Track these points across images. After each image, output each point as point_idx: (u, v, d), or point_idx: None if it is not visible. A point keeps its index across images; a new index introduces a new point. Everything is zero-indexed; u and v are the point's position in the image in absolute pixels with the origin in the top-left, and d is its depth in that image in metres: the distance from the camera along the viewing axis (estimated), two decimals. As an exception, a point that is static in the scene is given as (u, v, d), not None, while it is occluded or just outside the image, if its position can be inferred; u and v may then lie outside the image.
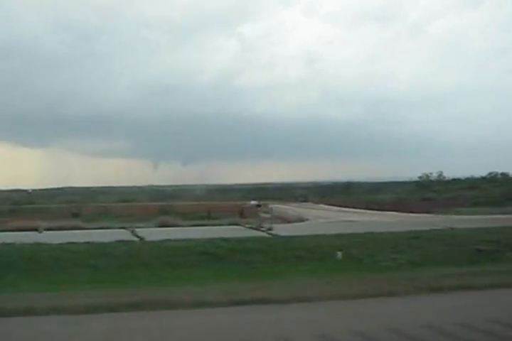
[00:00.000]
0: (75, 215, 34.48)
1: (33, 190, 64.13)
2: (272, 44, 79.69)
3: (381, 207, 35.26)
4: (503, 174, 62.10)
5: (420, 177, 66.43)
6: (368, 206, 36.73)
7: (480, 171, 63.05)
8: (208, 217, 33.31)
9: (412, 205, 39.20)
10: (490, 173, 62.28)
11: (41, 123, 57.80)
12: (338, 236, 19.03)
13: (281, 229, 21.76)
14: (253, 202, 46.83)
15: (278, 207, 43.00)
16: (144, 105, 68.09)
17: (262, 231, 21.06)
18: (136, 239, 18.89)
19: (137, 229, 22.05)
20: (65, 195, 64.87)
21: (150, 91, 68.48)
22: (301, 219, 30.95)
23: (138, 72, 69.59)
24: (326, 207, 40.66)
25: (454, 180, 65.21)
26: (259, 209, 23.25)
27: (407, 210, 33.90)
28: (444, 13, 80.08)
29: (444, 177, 65.92)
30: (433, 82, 74.88)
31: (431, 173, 65.95)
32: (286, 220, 32.33)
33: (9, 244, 16.84)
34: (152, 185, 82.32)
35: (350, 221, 26.71)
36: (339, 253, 16.85)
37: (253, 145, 56.14)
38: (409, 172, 68.10)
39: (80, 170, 61.15)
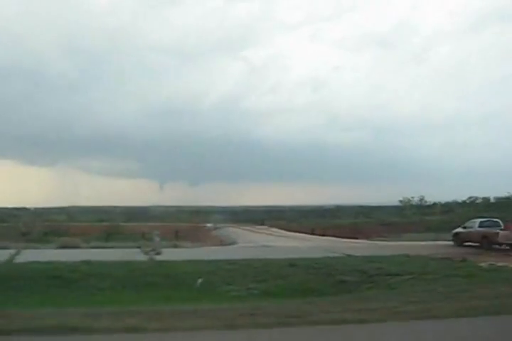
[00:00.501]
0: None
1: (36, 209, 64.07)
2: (278, 69, 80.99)
3: (324, 232, 34.18)
4: (484, 198, 60.78)
5: (401, 201, 65.10)
6: (313, 231, 35.71)
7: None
8: (142, 238, 32.62)
9: (367, 230, 38.13)
10: (470, 197, 61.08)
11: (49, 143, 59.51)
12: (214, 262, 18.09)
13: (171, 253, 20.85)
14: (209, 225, 46.17)
15: (230, 229, 42.30)
16: (151, 126, 69.62)
17: (148, 255, 20.21)
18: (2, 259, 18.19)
19: (29, 250, 21.38)
20: (51, 214, 64.63)
21: (157, 113, 70.02)
22: (232, 243, 30.27)
23: (145, 95, 71.26)
24: (275, 230, 39.75)
25: (434, 204, 63.80)
26: (154, 232, 22.45)
27: (351, 235, 32.89)
28: (447, 40, 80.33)
29: (426, 202, 64.79)
30: (434, 108, 75.08)
31: (412, 197, 64.48)
32: (221, 243, 31.75)
33: None
34: (157, 205, 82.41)
35: (268, 246, 25.69)
36: (199, 281, 15.95)
37: (256, 167, 56.73)
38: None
39: (86, 189, 61.97)
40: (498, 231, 23.17)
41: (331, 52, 78.38)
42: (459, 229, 26.21)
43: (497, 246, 22.86)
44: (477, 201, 60.73)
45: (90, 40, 68.57)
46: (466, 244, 24.98)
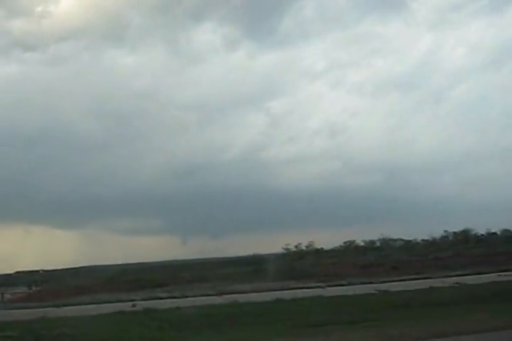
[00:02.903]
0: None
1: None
2: (298, 118, 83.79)
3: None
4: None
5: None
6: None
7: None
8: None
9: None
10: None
11: (78, 205, 61.39)
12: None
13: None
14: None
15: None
16: (174, 183, 71.54)
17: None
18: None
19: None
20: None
21: (180, 169, 72.13)
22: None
23: (167, 152, 73.83)
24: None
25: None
26: None
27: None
28: (466, 76, 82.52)
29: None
30: (452, 147, 76.31)
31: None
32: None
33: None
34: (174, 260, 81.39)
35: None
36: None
37: (274, 216, 58.21)
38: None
39: (111, 248, 63.56)
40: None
41: (349, 98, 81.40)
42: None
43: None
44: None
45: (117, 101, 72.75)
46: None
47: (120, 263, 53.95)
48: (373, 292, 21.86)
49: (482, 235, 57.74)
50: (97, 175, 69.58)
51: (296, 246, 54.33)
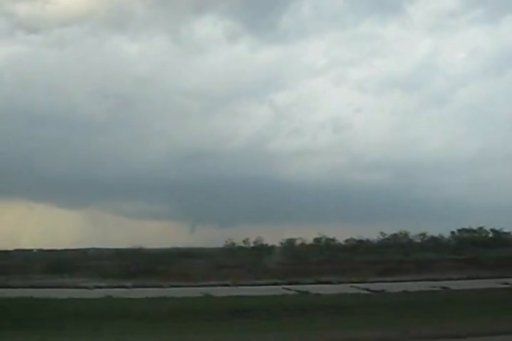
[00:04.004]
0: None
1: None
2: (302, 111, 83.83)
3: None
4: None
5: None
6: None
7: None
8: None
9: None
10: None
11: (80, 185, 61.45)
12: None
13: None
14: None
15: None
16: (178, 169, 71.21)
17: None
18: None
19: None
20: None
21: (183, 155, 72.23)
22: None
23: (171, 137, 73.68)
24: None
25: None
26: None
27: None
28: (467, 81, 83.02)
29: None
30: (458, 148, 76.43)
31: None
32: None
33: None
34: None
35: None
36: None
37: (282, 208, 57.85)
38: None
39: (114, 230, 63.34)
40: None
41: (352, 95, 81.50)
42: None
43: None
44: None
45: (120, 85, 72.89)
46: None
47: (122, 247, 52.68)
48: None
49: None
50: (100, 156, 69.82)
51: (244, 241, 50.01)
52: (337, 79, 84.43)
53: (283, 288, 23.95)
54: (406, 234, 49.53)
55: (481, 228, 50.90)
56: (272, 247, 49.83)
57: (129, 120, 74.56)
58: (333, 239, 50.42)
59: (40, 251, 57.78)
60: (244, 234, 53.41)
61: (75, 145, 68.58)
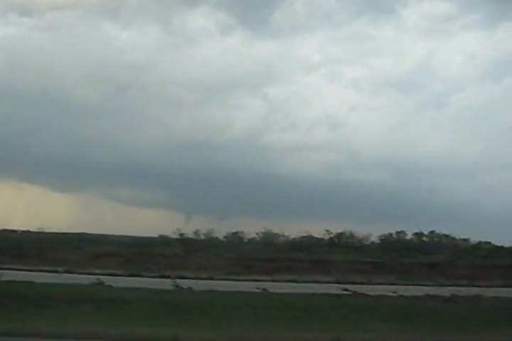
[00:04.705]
0: None
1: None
2: (296, 106, 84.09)
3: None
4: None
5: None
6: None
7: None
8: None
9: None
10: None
11: (75, 170, 62.70)
12: None
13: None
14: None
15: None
16: (172, 157, 72.59)
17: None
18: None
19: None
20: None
21: (177, 144, 73.05)
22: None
23: (165, 126, 74.64)
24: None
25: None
26: None
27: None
28: (467, 83, 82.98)
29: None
30: (456, 151, 76.20)
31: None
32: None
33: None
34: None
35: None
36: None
37: (279, 202, 58.98)
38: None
39: (107, 216, 64.91)
40: None
41: (346, 92, 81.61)
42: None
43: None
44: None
45: (112, 71, 74.16)
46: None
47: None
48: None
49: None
50: (94, 141, 70.90)
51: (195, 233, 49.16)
52: (331, 76, 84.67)
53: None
54: (351, 235, 50.39)
55: (432, 232, 52.72)
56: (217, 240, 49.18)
57: (123, 106, 75.83)
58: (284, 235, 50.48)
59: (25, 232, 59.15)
60: (239, 226, 54.01)
61: (70, 128, 70.05)
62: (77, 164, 63.44)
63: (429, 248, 48.13)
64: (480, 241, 52.24)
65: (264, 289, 21.18)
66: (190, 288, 20.19)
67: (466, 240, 53.41)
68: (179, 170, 65.86)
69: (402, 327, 13.20)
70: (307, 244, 48.45)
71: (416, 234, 51.61)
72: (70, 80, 71.86)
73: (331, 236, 50.58)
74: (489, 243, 51.48)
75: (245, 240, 50.83)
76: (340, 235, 50.67)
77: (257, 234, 50.61)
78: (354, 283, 26.70)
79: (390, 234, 51.29)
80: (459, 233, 51.41)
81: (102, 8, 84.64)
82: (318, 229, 50.99)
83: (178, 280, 22.24)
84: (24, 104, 68.62)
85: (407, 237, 52.05)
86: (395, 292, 21.90)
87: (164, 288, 19.41)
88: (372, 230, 52.40)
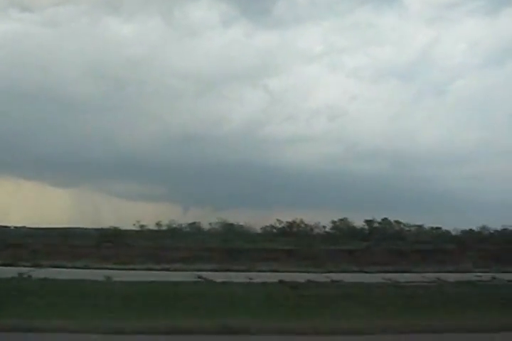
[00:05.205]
0: None
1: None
2: (296, 97, 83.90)
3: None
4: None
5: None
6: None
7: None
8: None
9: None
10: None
11: (73, 165, 63.09)
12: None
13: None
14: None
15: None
16: (170, 151, 72.92)
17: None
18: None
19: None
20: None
21: (175, 138, 73.29)
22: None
23: (163, 119, 75.15)
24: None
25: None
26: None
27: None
28: (468, 72, 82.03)
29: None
30: (456, 139, 75.68)
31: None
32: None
33: None
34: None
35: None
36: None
37: (278, 193, 59.43)
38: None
39: (107, 211, 65.14)
40: None
41: (348, 82, 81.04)
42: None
43: None
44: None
45: (113, 66, 74.28)
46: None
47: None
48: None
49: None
50: (92, 136, 70.89)
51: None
52: (333, 66, 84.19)
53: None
54: (301, 223, 51.72)
55: (385, 219, 53.24)
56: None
57: (122, 101, 75.93)
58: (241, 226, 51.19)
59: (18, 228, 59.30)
60: (238, 217, 54.46)
61: (68, 124, 70.37)
62: (74, 159, 63.82)
63: (372, 235, 48.72)
64: (432, 228, 53.09)
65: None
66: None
67: (420, 227, 54.42)
68: (176, 164, 66.20)
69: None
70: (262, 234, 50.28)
71: (367, 221, 52.28)
72: (70, 76, 71.79)
73: (283, 225, 51.92)
74: (439, 228, 52.25)
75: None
76: (291, 224, 51.56)
77: (210, 224, 51.71)
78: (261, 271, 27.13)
79: (341, 220, 51.96)
80: (435, 221, 53.00)
81: (104, 4, 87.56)
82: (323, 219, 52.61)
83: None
84: (23, 100, 68.35)
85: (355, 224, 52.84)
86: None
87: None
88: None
